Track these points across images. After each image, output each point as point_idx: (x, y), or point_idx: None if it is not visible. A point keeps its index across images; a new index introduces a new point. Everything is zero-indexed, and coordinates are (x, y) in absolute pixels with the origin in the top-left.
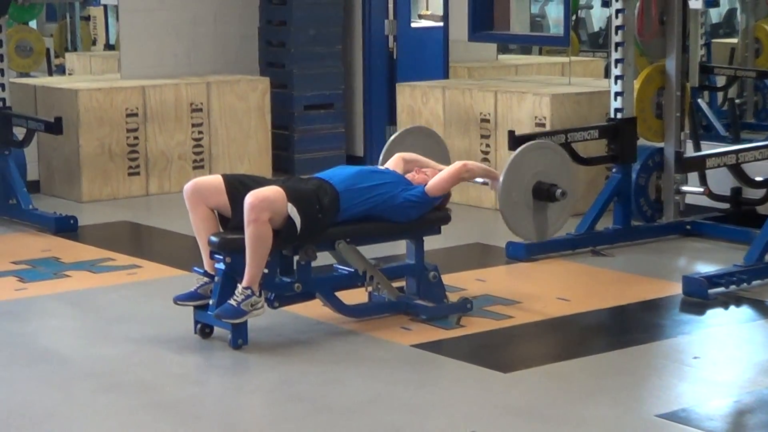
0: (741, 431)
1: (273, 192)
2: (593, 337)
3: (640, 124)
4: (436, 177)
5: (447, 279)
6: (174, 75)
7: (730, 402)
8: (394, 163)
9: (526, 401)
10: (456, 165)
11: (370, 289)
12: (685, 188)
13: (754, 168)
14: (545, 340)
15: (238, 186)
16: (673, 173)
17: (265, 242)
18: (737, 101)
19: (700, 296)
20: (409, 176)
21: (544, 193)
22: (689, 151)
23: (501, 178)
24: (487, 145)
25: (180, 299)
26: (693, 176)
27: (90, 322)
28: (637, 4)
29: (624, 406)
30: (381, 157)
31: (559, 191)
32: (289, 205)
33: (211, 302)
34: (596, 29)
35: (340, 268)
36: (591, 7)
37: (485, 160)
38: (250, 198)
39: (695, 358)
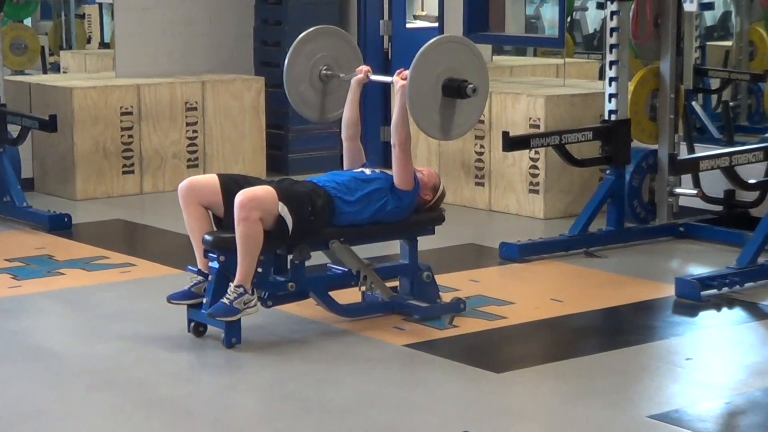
0: None
1: (263, 191)
2: (586, 338)
3: (634, 126)
4: (393, 173)
5: (440, 279)
6: (169, 74)
7: (722, 403)
8: (349, 150)
9: (518, 402)
10: (394, 149)
11: (363, 288)
12: (678, 190)
13: (747, 170)
14: (538, 340)
15: (232, 185)
16: (666, 175)
17: (255, 241)
18: (731, 104)
19: (692, 298)
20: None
21: (454, 90)
22: (683, 154)
23: (409, 72)
24: (482, 146)
25: (174, 298)
26: (686, 178)
27: (83, 319)
28: (632, 7)
29: (616, 406)
30: (286, 62)
31: (470, 87)
32: (280, 204)
33: (204, 301)
34: (591, 31)
35: (334, 268)
36: (586, 9)
37: (479, 161)
38: (241, 197)
39: (687, 359)
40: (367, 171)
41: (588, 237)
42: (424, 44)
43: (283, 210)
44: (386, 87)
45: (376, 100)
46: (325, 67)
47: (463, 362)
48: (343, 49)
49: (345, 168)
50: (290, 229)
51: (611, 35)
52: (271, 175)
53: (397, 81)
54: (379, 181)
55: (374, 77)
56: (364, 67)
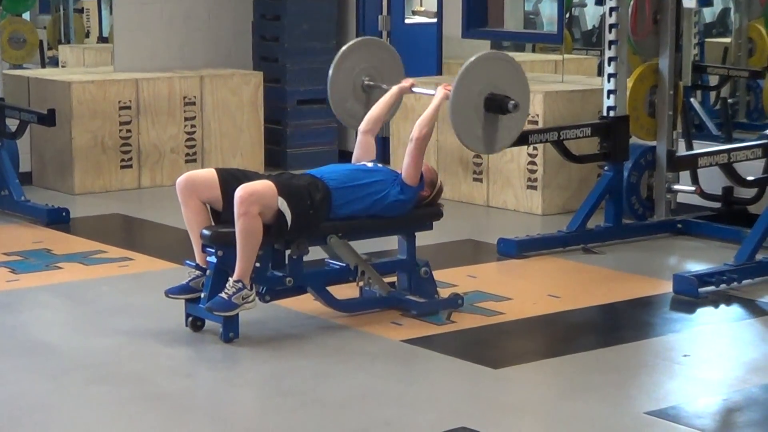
0: (730, 429)
1: (263, 186)
2: (583, 335)
3: (632, 123)
4: (403, 166)
5: (438, 275)
6: (167, 68)
7: (719, 400)
8: (363, 143)
9: (515, 397)
10: (411, 143)
11: (361, 284)
12: (676, 187)
13: (745, 167)
14: (535, 336)
15: (230, 180)
16: (664, 172)
17: (255, 236)
18: (730, 100)
19: (690, 294)
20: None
21: (496, 105)
22: (681, 150)
23: (453, 87)
24: None
25: (171, 292)
26: (685, 175)
27: (81, 314)
28: (631, 3)
29: (613, 403)
30: (330, 75)
31: (512, 103)
32: (280, 198)
33: (202, 295)
34: (590, 27)
35: (332, 263)
36: (585, 5)
37: (477, 157)
38: (240, 191)
39: (685, 356)
40: (369, 164)
41: (586, 233)
42: (468, 60)
43: (283, 205)
44: None
45: None
46: (367, 78)
47: (461, 358)
48: (384, 59)
49: (353, 161)
50: (289, 223)
51: (610, 31)
52: (269, 170)
53: (441, 90)
54: (381, 173)
55: (417, 90)
56: (410, 80)
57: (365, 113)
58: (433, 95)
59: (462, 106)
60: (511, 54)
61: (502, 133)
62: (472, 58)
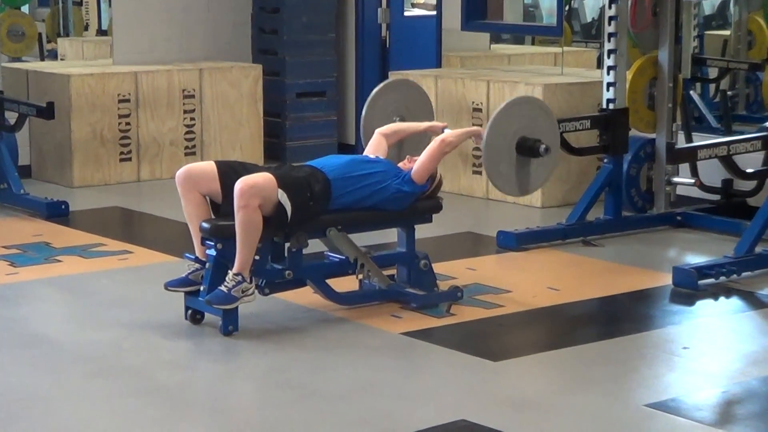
0: (729, 421)
1: (263, 178)
2: (583, 327)
3: (632, 115)
4: (418, 161)
5: (438, 267)
6: (166, 61)
7: (719, 392)
8: (376, 142)
9: (515, 390)
10: (435, 143)
11: (360, 276)
12: (676, 179)
13: (745, 159)
14: (535, 329)
15: (230, 173)
16: (664, 164)
17: (255, 228)
18: (729, 93)
19: (689, 287)
20: (401, 165)
21: (527, 149)
22: (681, 143)
23: (485, 133)
24: None
25: (171, 285)
26: (684, 167)
27: (81, 307)
28: None
29: (613, 395)
30: (363, 115)
31: (543, 147)
32: (280, 191)
33: (202, 288)
34: (589, 20)
35: (332, 256)
36: None
37: (477, 149)
38: (240, 184)
39: (684, 348)
40: (372, 155)
41: (585, 226)
42: (500, 106)
43: (283, 197)
44: (384, 80)
45: (373, 87)
46: (398, 118)
47: (460, 350)
48: (413, 97)
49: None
50: (289, 215)
51: (609, 24)
52: (269, 163)
53: (474, 129)
54: (382, 164)
55: (449, 132)
56: (443, 123)
57: (395, 152)
58: (468, 134)
59: (495, 150)
60: (510, 46)
61: (534, 176)
62: (504, 103)
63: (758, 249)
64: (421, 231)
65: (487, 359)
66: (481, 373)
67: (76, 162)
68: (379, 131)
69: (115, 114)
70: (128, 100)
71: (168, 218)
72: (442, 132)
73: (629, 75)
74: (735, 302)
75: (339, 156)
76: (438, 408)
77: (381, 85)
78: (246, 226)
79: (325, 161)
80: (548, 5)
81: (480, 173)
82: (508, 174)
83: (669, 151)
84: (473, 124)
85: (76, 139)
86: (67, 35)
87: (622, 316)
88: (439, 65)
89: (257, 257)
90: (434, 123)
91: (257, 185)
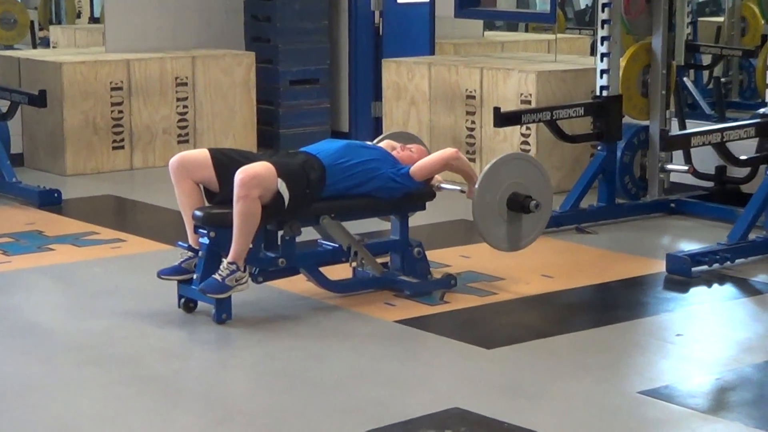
0: (723, 408)
1: (264, 168)
2: (576, 314)
3: (625, 102)
4: (423, 160)
5: (431, 255)
6: (159, 49)
7: (713, 379)
8: (383, 144)
9: (509, 377)
10: (447, 150)
11: (354, 264)
12: (669, 166)
13: (738, 146)
14: (529, 316)
15: (225, 160)
16: (658, 151)
17: (253, 218)
18: (723, 80)
19: (683, 274)
20: (394, 153)
21: (518, 204)
22: (674, 130)
23: (476, 186)
24: (473, 122)
25: (164, 273)
26: (678, 154)
27: (73, 295)
28: None
29: (607, 382)
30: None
31: (533, 203)
32: (279, 180)
33: (195, 277)
34: (582, 6)
35: (325, 244)
36: None
37: (470, 137)
38: (241, 174)
39: (678, 335)
40: (368, 141)
41: (579, 213)
42: (491, 162)
43: (282, 186)
44: (378, 67)
45: (367, 75)
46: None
47: (454, 338)
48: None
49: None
50: (286, 203)
51: (603, 11)
52: (262, 150)
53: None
54: (378, 152)
55: (446, 186)
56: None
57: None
58: (456, 189)
59: (485, 205)
60: (504, 33)
61: (525, 231)
62: (496, 159)
63: (752, 236)
64: (415, 219)
65: (481, 347)
66: (475, 361)
67: (69, 150)
68: (388, 141)
69: (108, 102)
70: (121, 88)
71: (161, 206)
72: (440, 187)
73: (623, 62)
74: (728, 289)
75: (334, 141)
76: (432, 395)
77: (379, 138)
78: (245, 216)
79: (320, 146)
80: None
81: (474, 160)
82: (498, 229)
83: (663, 138)
84: (467, 112)
85: (69, 127)
86: (60, 23)
87: (615, 304)
88: (432, 52)
89: (251, 245)
90: (447, 159)
91: (259, 175)
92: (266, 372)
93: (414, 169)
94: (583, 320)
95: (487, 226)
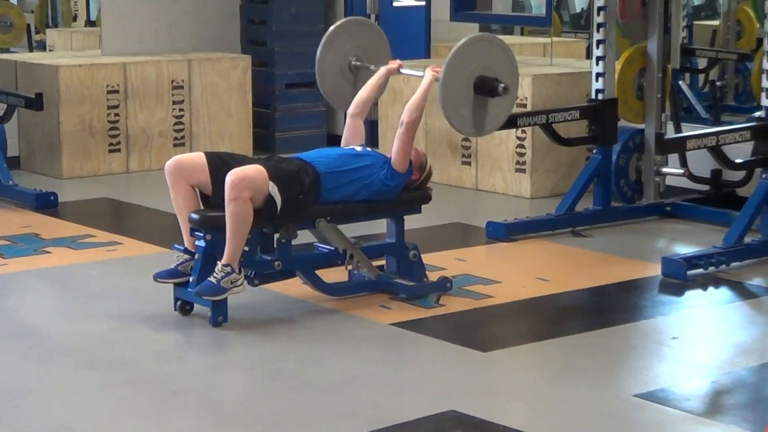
0: (718, 411)
1: (254, 170)
2: (572, 318)
3: (621, 105)
4: (393, 150)
5: (427, 258)
6: (155, 52)
7: (708, 382)
8: (351, 127)
9: (504, 380)
10: (401, 127)
11: (350, 267)
12: (665, 170)
13: (734, 150)
14: (524, 319)
15: (220, 164)
16: (653, 154)
17: (245, 220)
18: (718, 83)
19: (678, 277)
20: (434, 72)
21: (485, 88)
22: (670, 133)
23: (442, 69)
24: None
25: (160, 276)
26: (673, 158)
27: (70, 298)
28: None
29: (602, 386)
30: (317, 59)
31: (501, 86)
32: (270, 183)
33: (191, 279)
34: (578, 10)
35: (321, 247)
36: None
37: (466, 140)
38: (231, 176)
39: (674, 338)
40: (359, 148)
41: (575, 216)
42: (457, 42)
43: (273, 189)
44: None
45: None
46: (355, 59)
47: (450, 341)
48: (372, 39)
49: (342, 144)
50: (279, 207)
51: (598, 14)
52: (258, 154)
53: (429, 72)
54: (370, 157)
55: (405, 71)
56: (398, 61)
57: (353, 94)
58: (421, 77)
59: (452, 88)
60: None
61: (491, 116)
62: (462, 41)
63: (747, 239)
64: (411, 222)
65: (477, 350)
66: (471, 364)
67: (65, 153)
68: (349, 114)
69: (104, 105)
70: (117, 91)
71: (157, 209)
72: (399, 71)
73: (618, 65)
74: (724, 292)
75: (329, 149)
76: (427, 398)
77: (333, 27)
78: (236, 217)
79: (315, 154)
80: None
81: (469, 164)
82: (464, 112)
83: (658, 141)
84: None
85: (65, 130)
86: (56, 26)
87: (611, 307)
88: (428, 55)
89: (246, 248)
90: (389, 66)
91: (248, 177)
92: (262, 374)
93: (393, 162)
94: (579, 323)
95: (453, 108)
